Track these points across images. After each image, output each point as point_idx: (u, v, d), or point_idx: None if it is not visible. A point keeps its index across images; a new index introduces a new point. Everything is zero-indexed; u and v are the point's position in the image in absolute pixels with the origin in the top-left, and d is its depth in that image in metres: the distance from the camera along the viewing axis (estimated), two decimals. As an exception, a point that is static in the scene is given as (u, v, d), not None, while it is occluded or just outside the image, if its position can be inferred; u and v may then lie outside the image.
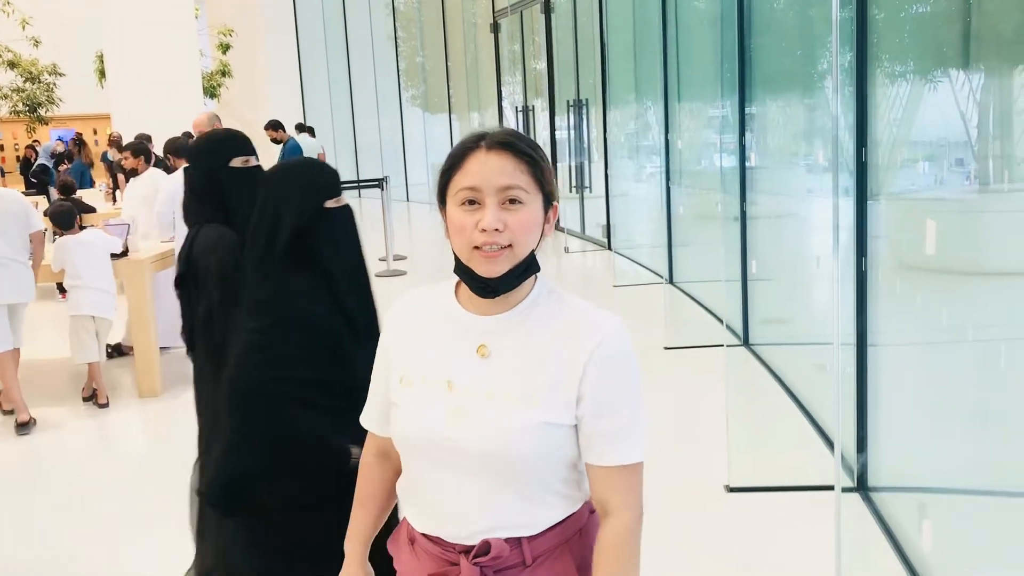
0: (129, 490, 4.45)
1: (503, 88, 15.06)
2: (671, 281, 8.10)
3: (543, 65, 12.94)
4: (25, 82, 16.63)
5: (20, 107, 16.73)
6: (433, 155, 18.52)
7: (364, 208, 17.31)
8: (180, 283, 2.70)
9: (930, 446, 3.54)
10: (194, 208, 2.76)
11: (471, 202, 1.40)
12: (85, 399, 5.76)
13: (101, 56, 14.79)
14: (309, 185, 2.23)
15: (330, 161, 14.36)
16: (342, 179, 2.41)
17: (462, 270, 1.45)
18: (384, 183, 10.34)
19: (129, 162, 7.05)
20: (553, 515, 1.47)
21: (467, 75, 17.17)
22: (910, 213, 3.81)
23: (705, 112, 8.03)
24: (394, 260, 10.19)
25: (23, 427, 5.26)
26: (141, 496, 4.36)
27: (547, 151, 13.12)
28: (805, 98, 5.98)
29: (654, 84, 8.77)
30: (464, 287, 1.50)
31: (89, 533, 3.97)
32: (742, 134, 6.34)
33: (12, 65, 16.33)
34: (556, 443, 1.42)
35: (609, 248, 10.73)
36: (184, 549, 3.75)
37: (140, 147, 7.07)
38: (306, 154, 9.62)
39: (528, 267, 1.45)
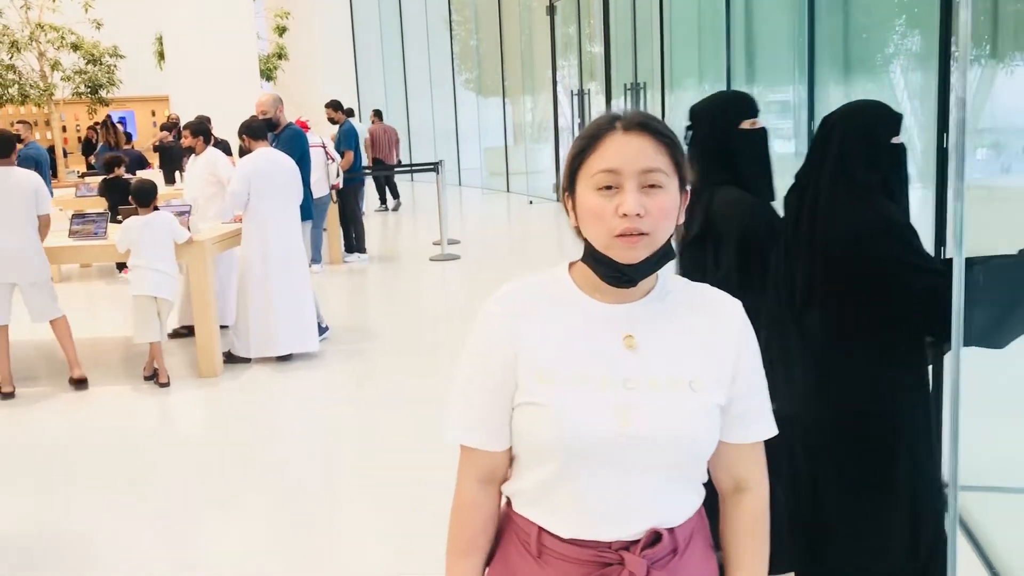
0: (190, 469, 4.46)
1: (557, 71, 14.91)
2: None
3: (599, 48, 12.78)
4: (87, 64, 16.86)
5: (82, 89, 16.98)
6: (486, 139, 18.46)
7: (417, 192, 17.35)
8: (693, 244, 2.70)
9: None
10: (706, 170, 2.72)
11: (609, 187, 1.32)
12: (146, 378, 5.81)
13: (160, 38, 14.92)
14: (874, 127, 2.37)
15: (385, 143, 14.33)
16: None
17: (596, 259, 1.37)
18: (439, 167, 10.29)
19: (188, 140, 7.06)
20: (698, 497, 1.45)
21: (521, 58, 17.04)
22: (983, 202, 3.65)
23: (768, 96, 7.84)
24: (448, 244, 10.15)
25: (7, 396, 5.59)
26: (201, 476, 4.37)
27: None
28: (872, 82, 5.79)
29: (717, 67, 8.58)
30: (580, 275, 1.43)
31: (146, 509, 3.99)
32: (811, 119, 6.16)
33: (75, 47, 16.56)
34: (717, 424, 1.41)
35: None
36: (244, 527, 3.76)
37: (200, 127, 7.08)
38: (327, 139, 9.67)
39: (664, 254, 1.37)
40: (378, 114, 14.79)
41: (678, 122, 9.18)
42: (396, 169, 14.06)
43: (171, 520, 3.92)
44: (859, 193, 2.34)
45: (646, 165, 1.31)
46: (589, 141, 1.36)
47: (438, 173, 10.21)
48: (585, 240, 1.38)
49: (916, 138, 5.00)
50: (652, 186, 1.32)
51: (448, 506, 1.50)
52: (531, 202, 14.98)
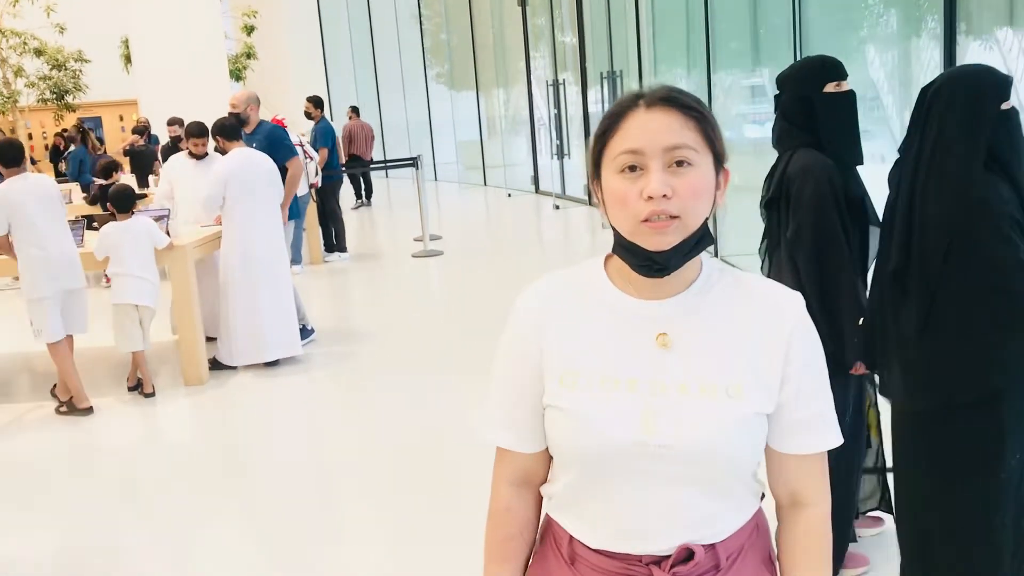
0: (178, 478, 4.34)
1: (531, 62, 14.81)
2: (716, 254, 7.89)
3: (571, 38, 12.69)
4: (51, 69, 16.57)
5: (47, 95, 16.68)
6: (461, 133, 18.33)
7: (394, 188, 17.20)
8: (768, 205, 2.70)
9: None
10: (786, 133, 2.71)
11: (632, 168, 1.22)
12: (130, 388, 5.66)
13: (126, 41, 14.68)
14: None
15: (367, 141, 14.18)
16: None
17: (624, 247, 1.26)
18: (418, 162, 10.17)
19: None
20: (745, 512, 1.33)
21: (494, 50, 16.92)
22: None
23: (741, 82, 7.79)
24: (430, 240, 10.03)
25: (86, 412, 5.29)
26: (190, 484, 4.25)
27: (579, 126, 12.96)
28: (854, 64, 5.74)
29: (696, 53, 8.52)
30: (616, 268, 1.32)
31: (139, 522, 3.86)
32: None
33: (38, 53, 16.27)
34: (760, 434, 1.28)
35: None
36: (233, 536, 3.65)
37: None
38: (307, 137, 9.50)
39: (700, 240, 1.25)
40: (355, 111, 14.63)
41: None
42: (373, 165, 13.91)
43: (163, 531, 3.79)
44: (958, 171, 2.21)
45: (671, 142, 1.21)
46: (611, 121, 1.26)
47: (417, 168, 10.09)
48: (614, 229, 1.28)
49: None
50: (680, 164, 1.21)
51: (445, 508, 1.42)
52: (509, 195, 14.88)
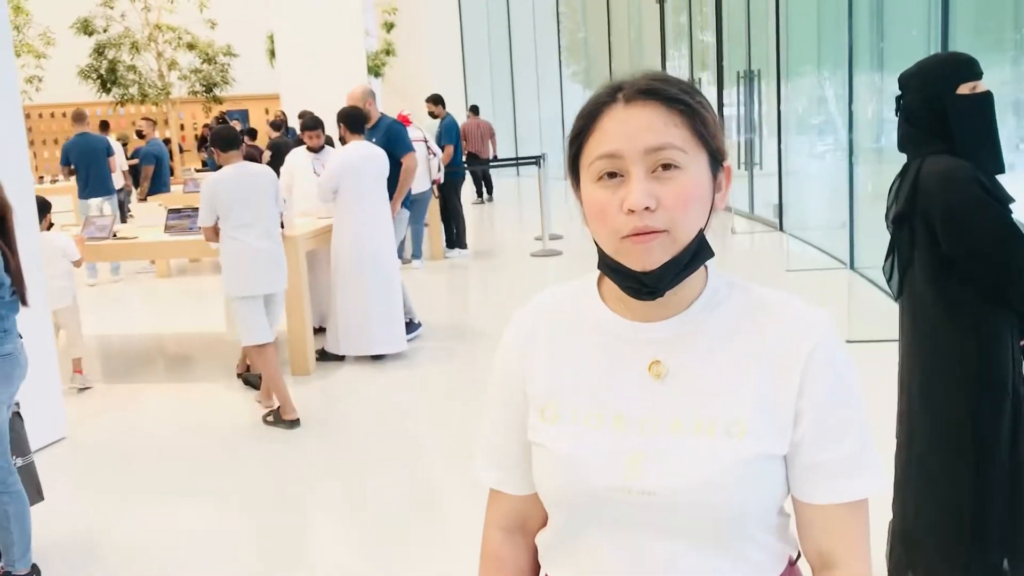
0: (288, 469, 4.34)
1: (668, 62, 14.44)
2: (852, 267, 7.42)
3: (710, 37, 12.28)
4: (202, 63, 17.35)
5: (197, 87, 17.49)
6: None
7: (522, 186, 17.16)
8: (898, 220, 2.48)
9: None
10: (916, 139, 2.48)
11: (611, 175, 1.03)
12: (240, 375, 5.75)
13: (272, 37, 15.17)
14: None
15: (487, 138, 14.19)
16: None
17: (609, 266, 1.08)
18: (540, 161, 10.03)
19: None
20: (763, 571, 1.11)
21: (630, 49, 16.63)
22: None
23: (894, 82, 7.24)
24: (550, 240, 9.88)
25: (292, 424, 4.83)
26: (299, 476, 4.23)
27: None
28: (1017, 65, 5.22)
29: (837, 53, 8.03)
30: (609, 286, 1.13)
31: (232, 508, 3.87)
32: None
33: (191, 47, 17.07)
34: (770, 481, 1.07)
35: (781, 229, 10.04)
36: (329, 528, 3.59)
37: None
38: (429, 133, 9.41)
39: (695, 255, 1.05)
40: (474, 109, 14.70)
41: (794, 111, 8.65)
42: (493, 163, 13.91)
43: (255, 519, 3.78)
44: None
45: (652, 142, 1.01)
46: (586, 121, 1.08)
47: (539, 167, 9.95)
48: (597, 245, 1.09)
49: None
50: (667, 167, 1.02)
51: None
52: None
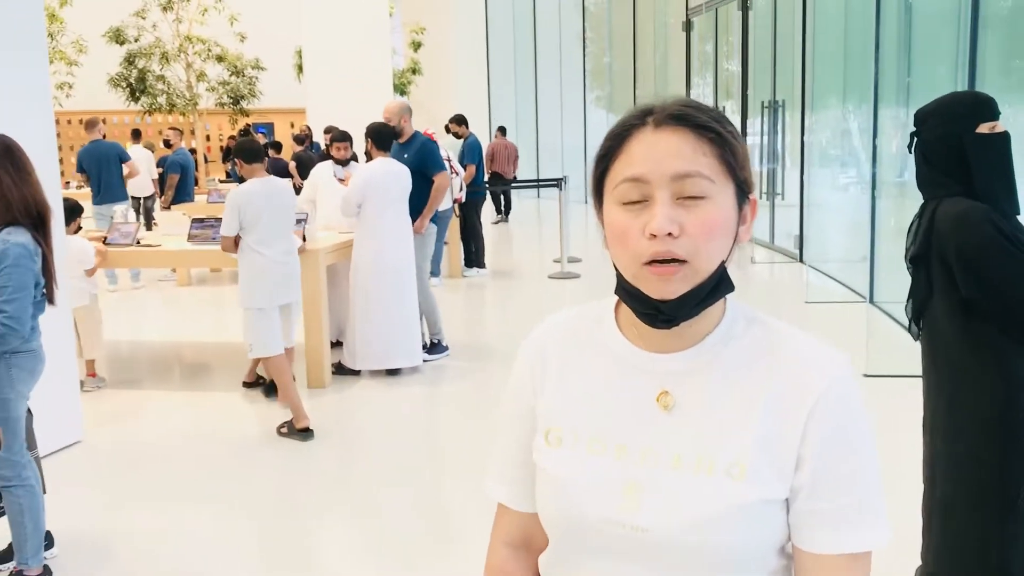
0: (298, 479, 4.35)
1: (692, 90, 14.48)
2: (872, 300, 7.38)
3: (736, 66, 12.31)
4: (231, 75, 17.55)
5: (224, 99, 17.68)
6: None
7: (542, 208, 17.20)
8: (915, 260, 2.48)
9: None
10: (932, 179, 2.46)
11: (635, 199, 1.02)
12: (246, 384, 5.77)
13: (300, 52, 15.34)
14: None
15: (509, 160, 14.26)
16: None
17: (627, 290, 1.07)
18: (562, 183, 10.06)
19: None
20: None
21: (655, 76, 16.69)
22: None
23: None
24: (568, 262, 9.89)
25: (305, 432, 4.85)
26: (309, 486, 4.24)
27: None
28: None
29: (863, 86, 8.04)
30: (627, 312, 1.11)
31: (254, 519, 3.88)
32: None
33: (220, 59, 17.27)
34: (770, 524, 1.03)
35: (801, 261, 10.00)
36: (359, 535, 3.58)
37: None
38: (451, 152, 9.44)
39: (716, 287, 1.04)
40: (502, 130, 14.78)
41: (817, 142, 8.67)
42: (515, 184, 13.97)
43: (264, 527, 3.79)
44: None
45: (680, 169, 1.00)
46: (614, 142, 1.06)
47: (561, 189, 9.99)
48: (616, 269, 1.08)
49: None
50: (692, 197, 1.00)
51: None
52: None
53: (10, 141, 3.15)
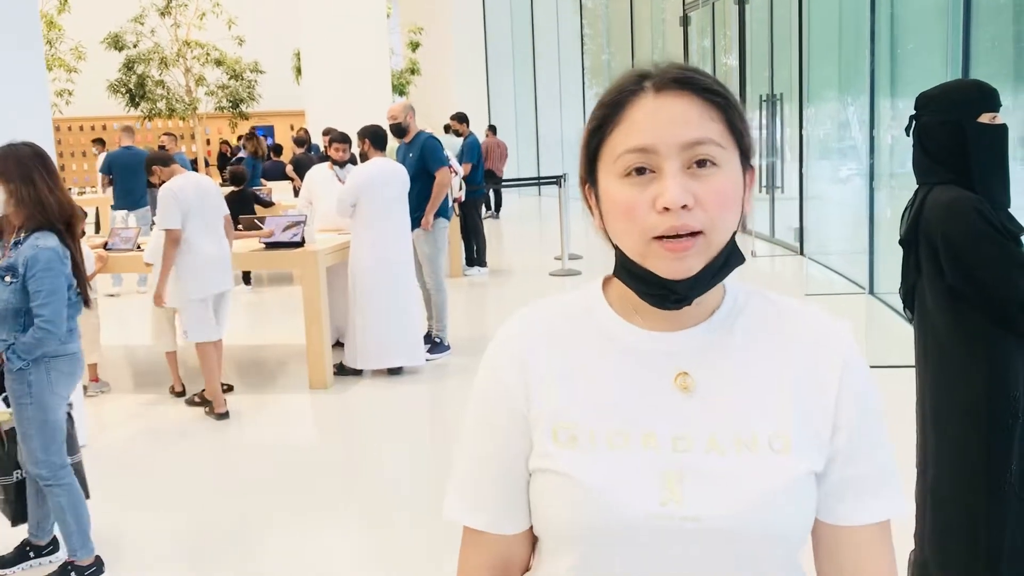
0: (303, 481, 4.37)
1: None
2: (872, 292, 7.39)
3: (734, 60, 12.31)
4: (230, 79, 17.55)
5: (224, 103, 17.69)
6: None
7: (543, 206, 17.20)
8: (905, 246, 2.51)
9: None
10: (926, 166, 2.46)
11: (640, 171, 0.95)
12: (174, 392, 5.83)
13: (298, 54, 15.35)
14: None
15: (513, 158, 14.30)
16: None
17: (631, 273, 0.99)
18: (562, 180, 10.07)
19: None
20: None
21: (653, 71, 16.68)
22: None
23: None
24: (569, 259, 9.91)
25: (221, 416, 5.31)
26: (313, 485, 4.26)
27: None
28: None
29: (859, 78, 8.04)
30: (617, 293, 1.05)
31: (261, 522, 3.90)
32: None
33: (218, 63, 17.29)
34: (812, 501, 1.00)
35: (801, 253, 10.01)
36: (363, 537, 3.60)
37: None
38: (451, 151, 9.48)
39: (728, 259, 0.98)
40: (493, 129, 14.97)
41: (816, 135, 8.67)
42: (516, 182, 14.06)
43: (266, 528, 3.81)
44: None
45: (691, 136, 0.93)
46: (610, 110, 0.97)
47: (560, 187, 10.00)
48: (616, 247, 1.00)
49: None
50: (703, 164, 0.94)
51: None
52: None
53: (40, 148, 3.22)
